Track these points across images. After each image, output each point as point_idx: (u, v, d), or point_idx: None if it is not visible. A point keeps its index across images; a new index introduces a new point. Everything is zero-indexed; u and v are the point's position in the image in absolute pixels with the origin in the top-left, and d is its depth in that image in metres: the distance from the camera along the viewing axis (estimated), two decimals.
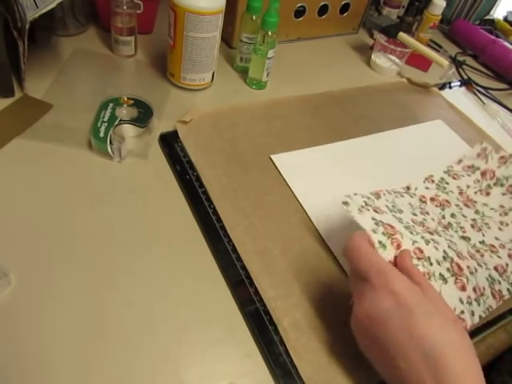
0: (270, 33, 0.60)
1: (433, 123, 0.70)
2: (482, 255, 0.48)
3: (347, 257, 0.36)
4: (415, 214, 0.49)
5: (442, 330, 0.31)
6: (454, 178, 0.57)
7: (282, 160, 0.55)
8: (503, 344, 0.45)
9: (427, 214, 0.51)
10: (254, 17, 0.62)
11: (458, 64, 0.87)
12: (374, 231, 0.42)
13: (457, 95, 0.79)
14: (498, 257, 0.48)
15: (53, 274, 0.39)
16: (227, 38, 0.73)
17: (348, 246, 0.36)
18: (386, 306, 0.32)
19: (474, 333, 0.43)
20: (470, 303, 0.42)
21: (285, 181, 0.53)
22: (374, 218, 0.43)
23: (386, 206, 0.48)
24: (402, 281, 0.33)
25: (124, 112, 0.53)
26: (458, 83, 0.83)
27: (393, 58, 0.79)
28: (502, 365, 0.52)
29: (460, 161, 0.60)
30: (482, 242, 0.50)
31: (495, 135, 0.71)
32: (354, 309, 0.35)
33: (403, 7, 0.91)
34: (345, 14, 0.83)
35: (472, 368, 0.30)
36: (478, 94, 0.81)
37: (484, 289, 0.44)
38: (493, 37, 0.91)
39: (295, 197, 0.52)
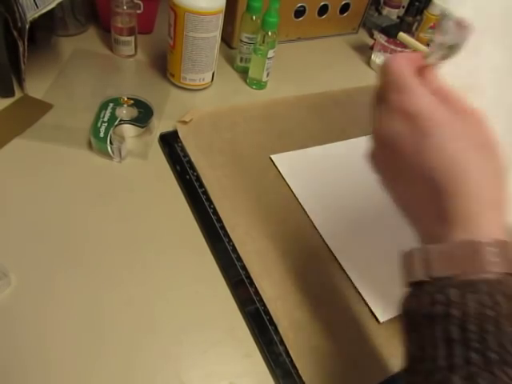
0: (269, 33, 0.60)
1: None
2: None
3: (380, 73, 0.29)
4: None
5: (463, 154, 0.25)
6: None
7: (282, 160, 0.55)
8: None
9: None
10: (254, 17, 0.62)
11: None
12: None
13: None
14: None
15: (53, 274, 0.39)
16: (227, 38, 0.73)
17: (384, 62, 0.30)
18: (398, 129, 0.27)
19: None
20: None
21: (285, 181, 0.53)
22: None
23: None
24: (423, 100, 0.27)
25: (124, 112, 0.53)
26: None
27: None
28: None
29: None
30: None
31: None
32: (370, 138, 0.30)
33: (403, 7, 0.91)
34: (345, 14, 0.83)
35: (495, 203, 0.25)
36: None
37: None
38: None
39: (295, 197, 0.52)
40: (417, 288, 0.26)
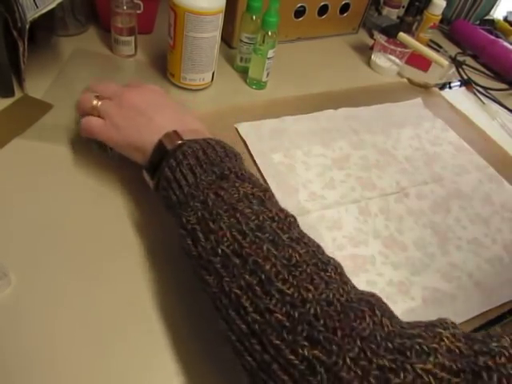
0: (270, 33, 0.60)
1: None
2: None
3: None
4: None
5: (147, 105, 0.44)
6: None
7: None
8: None
9: None
10: (254, 17, 0.62)
11: (457, 64, 0.87)
12: None
13: (457, 95, 0.79)
14: None
15: (52, 274, 0.39)
16: (227, 38, 0.73)
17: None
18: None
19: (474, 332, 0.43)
20: None
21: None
22: None
23: None
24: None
25: None
26: (458, 83, 0.83)
27: (393, 58, 0.79)
28: None
29: None
30: None
31: (495, 135, 0.71)
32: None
33: (403, 7, 0.91)
34: (345, 14, 0.83)
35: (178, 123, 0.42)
36: (478, 94, 0.81)
37: None
38: (493, 37, 0.91)
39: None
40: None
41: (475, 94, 0.81)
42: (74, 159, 0.49)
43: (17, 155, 0.48)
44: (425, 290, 0.45)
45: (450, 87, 0.81)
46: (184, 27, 0.55)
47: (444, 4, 0.85)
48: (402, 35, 0.78)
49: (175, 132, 0.40)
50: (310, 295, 0.27)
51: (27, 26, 0.49)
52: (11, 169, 0.47)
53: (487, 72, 0.90)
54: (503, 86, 0.85)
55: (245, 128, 0.57)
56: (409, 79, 0.78)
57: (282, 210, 0.34)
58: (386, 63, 0.79)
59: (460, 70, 0.86)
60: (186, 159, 0.37)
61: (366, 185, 0.54)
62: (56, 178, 0.47)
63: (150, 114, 0.43)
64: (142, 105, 0.43)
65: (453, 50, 0.93)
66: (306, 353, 0.26)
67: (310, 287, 0.28)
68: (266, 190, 0.36)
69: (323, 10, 0.79)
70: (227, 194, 0.33)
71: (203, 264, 0.32)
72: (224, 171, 0.35)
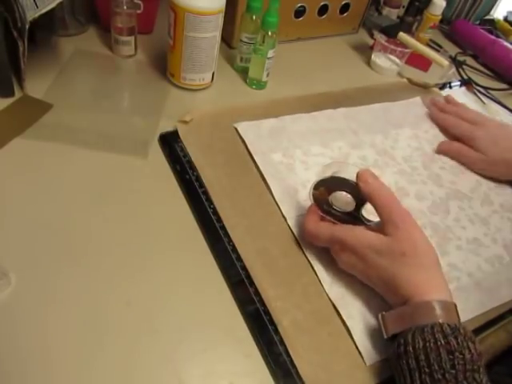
0: (269, 33, 0.60)
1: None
2: None
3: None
4: None
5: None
6: None
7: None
8: (503, 344, 0.45)
9: None
10: (254, 17, 0.62)
11: (458, 64, 0.87)
12: None
13: (457, 95, 0.78)
14: None
15: (52, 274, 0.39)
16: (227, 38, 0.73)
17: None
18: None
19: (474, 332, 0.43)
20: None
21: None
22: None
23: None
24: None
25: None
26: (458, 83, 0.83)
27: (393, 57, 0.79)
28: (503, 367, 0.52)
29: None
30: None
31: None
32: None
33: (403, 7, 0.91)
34: (345, 14, 0.83)
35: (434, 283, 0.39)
36: (478, 94, 0.81)
37: None
38: (493, 37, 0.91)
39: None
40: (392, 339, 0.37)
41: (475, 93, 0.81)
42: (73, 159, 0.49)
43: (17, 155, 0.48)
44: None
45: (450, 87, 0.81)
46: (184, 27, 0.55)
47: (444, 4, 0.85)
48: (402, 35, 0.78)
49: (455, 306, 0.37)
50: None
51: (27, 26, 0.49)
52: (11, 168, 0.47)
53: (487, 72, 0.89)
54: (503, 85, 0.85)
55: (244, 128, 0.57)
56: (409, 79, 0.78)
57: None
58: (386, 63, 0.79)
59: (460, 69, 0.86)
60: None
61: None
62: (56, 177, 0.47)
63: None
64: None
65: (453, 49, 0.93)
66: None
67: None
68: None
69: (323, 9, 0.79)
70: None
71: None
72: None
